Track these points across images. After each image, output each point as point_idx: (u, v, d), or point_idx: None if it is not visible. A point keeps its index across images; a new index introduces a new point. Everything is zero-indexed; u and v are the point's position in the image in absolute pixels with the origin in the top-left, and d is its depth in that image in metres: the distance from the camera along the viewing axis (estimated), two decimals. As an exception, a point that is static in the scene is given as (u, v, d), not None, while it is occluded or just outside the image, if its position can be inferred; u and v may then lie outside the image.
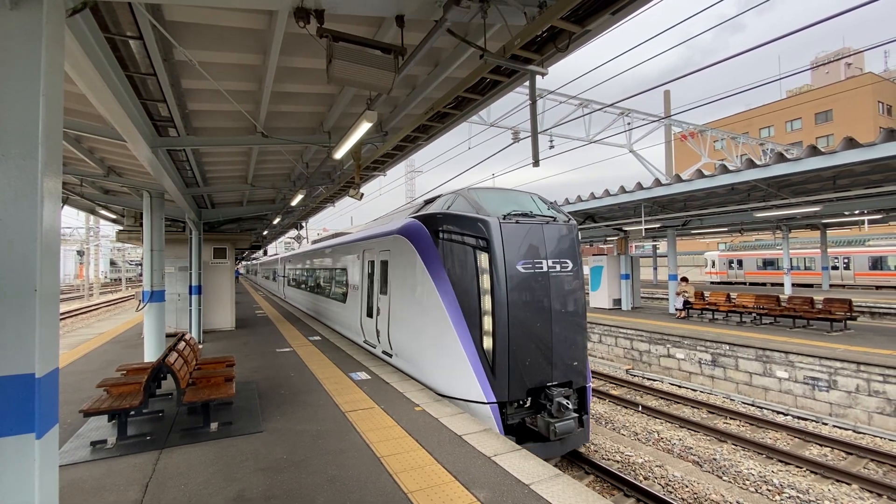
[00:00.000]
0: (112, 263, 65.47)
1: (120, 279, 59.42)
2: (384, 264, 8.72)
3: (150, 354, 8.67)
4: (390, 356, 8.57)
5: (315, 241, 21.25)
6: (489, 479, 4.10)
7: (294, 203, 10.87)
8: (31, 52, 1.99)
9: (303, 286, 19.69)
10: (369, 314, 9.60)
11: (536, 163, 4.27)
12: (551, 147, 16.66)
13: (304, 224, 21.16)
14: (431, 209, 7.70)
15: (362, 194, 8.53)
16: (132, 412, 5.20)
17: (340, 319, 12.52)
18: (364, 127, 4.83)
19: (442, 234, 6.89)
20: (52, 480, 2.01)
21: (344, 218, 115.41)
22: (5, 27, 1.93)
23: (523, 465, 4.35)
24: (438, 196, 8.32)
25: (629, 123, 19.24)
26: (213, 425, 5.43)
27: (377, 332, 9.07)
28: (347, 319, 11.62)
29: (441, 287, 6.72)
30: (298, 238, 29.13)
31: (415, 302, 7.37)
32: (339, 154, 5.96)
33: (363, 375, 7.89)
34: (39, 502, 1.87)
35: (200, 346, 10.96)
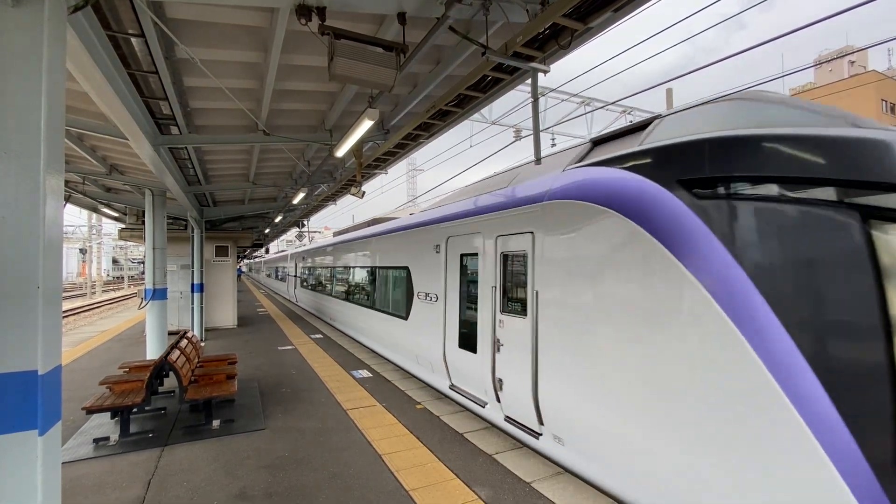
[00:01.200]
0: (114, 261, 65.64)
1: (122, 277, 59.58)
2: (509, 260, 5.16)
3: (153, 352, 8.69)
4: (534, 435, 4.66)
5: (343, 232, 16.49)
6: (490, 476, 4.10)
7: (296, 201, 10.88)
8: (33, 50, 1.98)
9: (326, 289, 15.48)
10: (465, 344, 5.95)
11: (539, 160, 4.26)
12: (553, 146, 16.63)
13: (305, 222, 21.16)
14: (653, 140, 3.81)
15: (364, 192, 8.52)
16: (135, 409, 5.22)
17: (395, 341, 8.72)
18: (366, 125, 4.83)
19: (728, 190, 3.12)
20: (54, 477, 2.02)
21: (345, 216, 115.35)
22: (7, 25, 1.93)
23: (524, 463, 4.35)
24: (643, 121, 4.35)
25: (631, 122, 19.17)
26: (216, 423, 5.44)
27: (496, 381, 5.23)
28: (411, 344, 7.84)
29: (740, 312, 2.87)
30: (300, 236, 29.08)
31: (639, 338, 3.49)
32: (341, 152, 5.96)
33: (365, 373, 7.90)
34: (42, 499, 1.88)
35: (202, 344, 10.98)
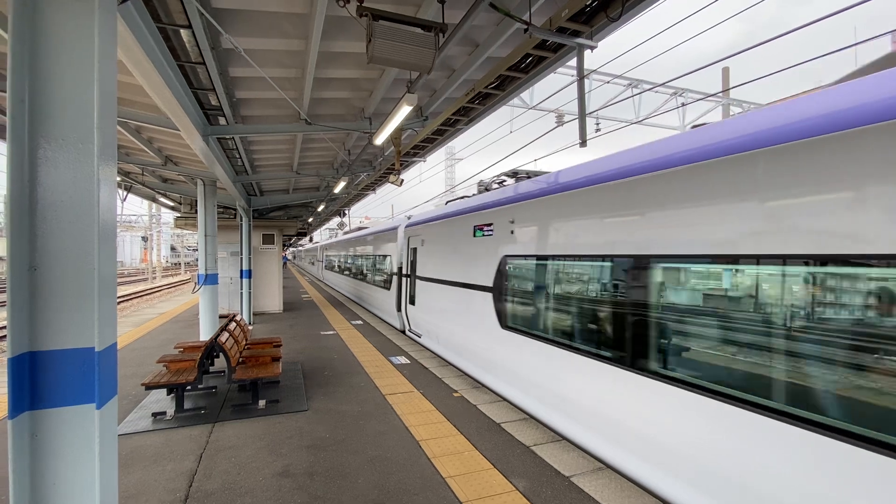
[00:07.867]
0: (172, 249, 70.04)
1: (179, 263, 63.51)
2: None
3: (205, 334, 9.18)
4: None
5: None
6: (528, 468, 4.03)
7: (337, 190, 11.08)
8: (86, 41, 2.05)
9: None
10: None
11: (584, 143, 4.06)
12: (598, 130, 15.95)
13: (346, 211, 21.62)
14: None
15: (402, 181, 8.53)
16: (188, 387, 5.52)
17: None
18: (404, 110, 4.78)
19: None
20: (111, 449, 2.13)
21: (384, 206, 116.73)
22: (60, 17, 2.01)
23: (563, 456, 4.23)
24: None
25: (682, 104, 18.06)
26: (262, 402, 5.67)
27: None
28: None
29: None
30: (341, 225, 29.78)
31: None
32: (380, 139, 5.96)
33: (403, 360, 7.99)
34: (100, 469, 1.99)
35: (250, 328, 11.50)
